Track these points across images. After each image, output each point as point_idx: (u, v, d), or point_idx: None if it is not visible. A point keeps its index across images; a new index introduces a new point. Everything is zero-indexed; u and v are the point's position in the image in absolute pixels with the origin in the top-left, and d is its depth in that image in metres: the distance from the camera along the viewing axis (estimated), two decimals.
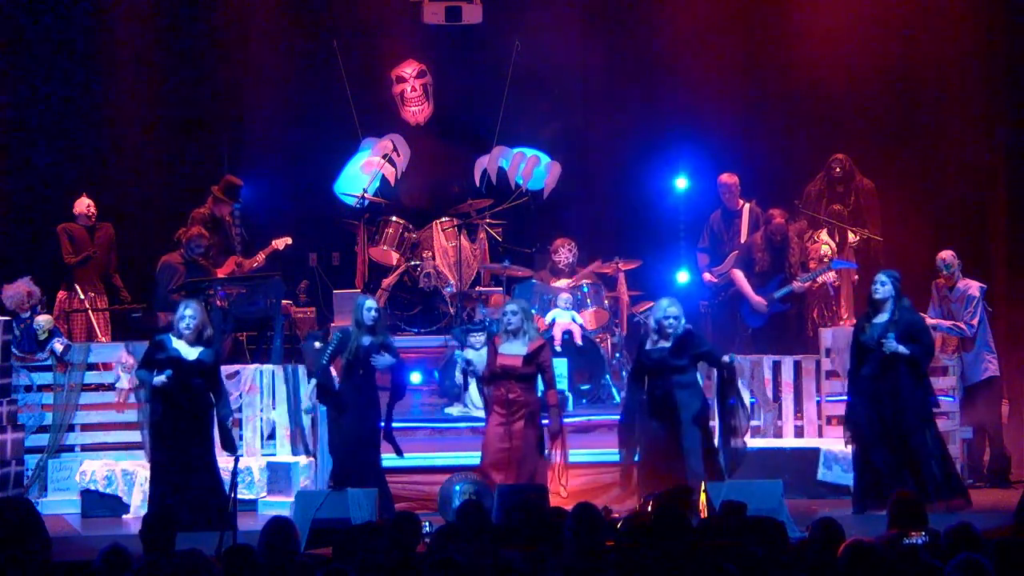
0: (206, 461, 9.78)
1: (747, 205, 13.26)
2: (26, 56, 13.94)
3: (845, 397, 10.68)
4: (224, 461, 10.00)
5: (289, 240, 13.30)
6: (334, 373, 10.07)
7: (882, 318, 10.16)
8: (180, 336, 9.78)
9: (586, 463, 10.73)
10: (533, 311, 12.62)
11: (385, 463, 10.32)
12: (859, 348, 10.24)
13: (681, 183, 14.39)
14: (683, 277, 14.08)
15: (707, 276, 13.22)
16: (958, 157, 13.76)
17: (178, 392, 9.68)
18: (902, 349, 10.02)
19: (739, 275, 12.74)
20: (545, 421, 10.10)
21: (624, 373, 12.28)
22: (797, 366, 11.69)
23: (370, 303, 10.02)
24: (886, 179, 13.76)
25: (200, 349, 9.79)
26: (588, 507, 6.74)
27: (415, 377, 12.33)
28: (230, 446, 9.87)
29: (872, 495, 10.02)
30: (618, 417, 10.38)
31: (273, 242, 13.20)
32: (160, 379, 9.62)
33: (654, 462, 9.82)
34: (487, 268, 13.93)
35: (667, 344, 9.87)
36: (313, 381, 10.03)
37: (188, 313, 9.81)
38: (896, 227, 13.75)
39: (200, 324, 9.84)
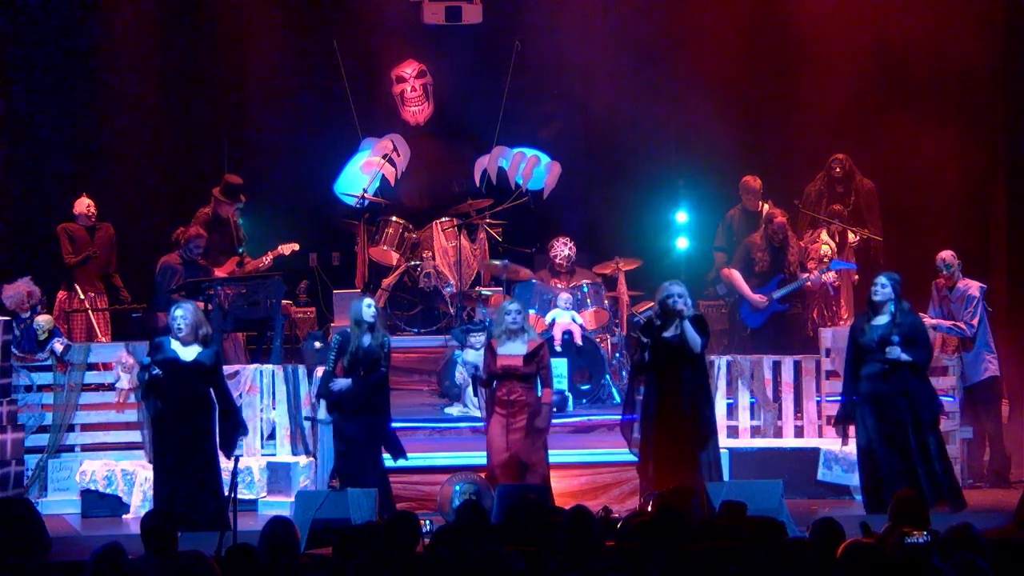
0: (207, 462, 9.75)
1: (765, 206, 13.25)
2: (26, 56, 13.95)
3: (840, 397, 10.66)
4: (224, 461, 10.00)
5: (296, 246, 13.24)
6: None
7: (882, 320, 10.13)
8: (176, 337, 9.78)
9: (586, 463, 10.73)
10: (532, 311, 12.67)
11: (386, 463, 10.34)
12: (857, 349, 10.21)
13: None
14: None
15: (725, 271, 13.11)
16: (958, 157, 13.76)
17: (177, 394, 9.67)
18: (905, 357, 9.99)
19: (736, 274, 12.74)
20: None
21: (624, 373, 12.28)
22: (797, 366, 11.68)
23: (369, 300, 10.04)
24: (886, 179, 13.77)
25: (198, 350, 9.78)
26: (581, 510, 6.74)
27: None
28: (229, 448, 9.82)
29: (878, 495, 10.00)
30: (619, 417, 10.28)
31: (280, 247, 13.16)
32: (153, 371, 9.57)
33: (673, 460, 9.68)
34: (487, 268, 13.93)
35: (681, 330, 9.67)
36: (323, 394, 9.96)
37: (179, 314, 9.77)
38: (896, 227, 13.76)
39: (195, 323, 9.79)
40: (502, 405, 9.91)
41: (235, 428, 9.88)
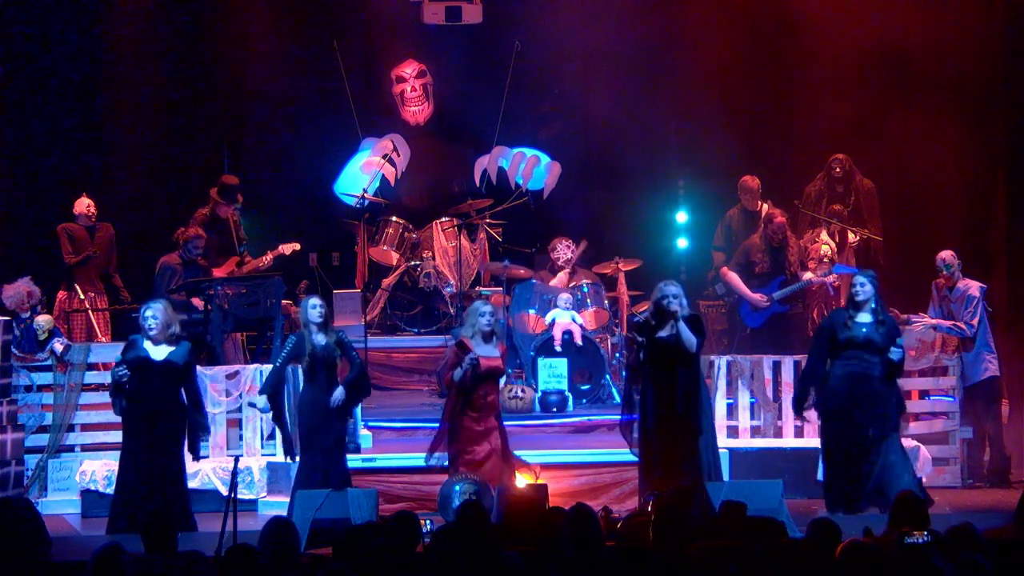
0: (173, 462, 9.65)
1: (764, 206, 13.26)
2: (26, 55, 13.95)
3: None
4: (224, 461, 9.98)
5: (297, 246, 13.21)
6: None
7: (865, 318, 10.08)
8: (148, 337, 9.70)
9: (586, 463, 10.72)
10: (532, 311, 12.67)
11: (386, 463, 10.33)
12: (834, 345, 10.10)
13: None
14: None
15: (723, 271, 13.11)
16: (958, 157, 13.76)
17: (144, 393, 9.59)
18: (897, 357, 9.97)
19: (733, 275, 12.72)
20: None
21: (624, 373, 12.26)
22: (797, 366, 11.65)
23: (315, 300, 9.89)
24: (886, 179, 13.77)
25: (170, 350, 9.68)
26: (584, 508, 6.74)
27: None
28: (193, 450, 9.79)
29: (842, 494, 9.96)
30: (619, 417, 10.26)
31: (280, 246, 13.15)
32: (120, 372, 9.53)
33: (672, 460, 9.65)
34: (487, 268, 13.93)
35: (677, 330, 9.63)
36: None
37: (148, 313, 9.69)
38: (896, 227, 13.75)
39: (165, 322, 9.67)
40: (478, 408, 9.77)
41: (196, 428, 9.80)
